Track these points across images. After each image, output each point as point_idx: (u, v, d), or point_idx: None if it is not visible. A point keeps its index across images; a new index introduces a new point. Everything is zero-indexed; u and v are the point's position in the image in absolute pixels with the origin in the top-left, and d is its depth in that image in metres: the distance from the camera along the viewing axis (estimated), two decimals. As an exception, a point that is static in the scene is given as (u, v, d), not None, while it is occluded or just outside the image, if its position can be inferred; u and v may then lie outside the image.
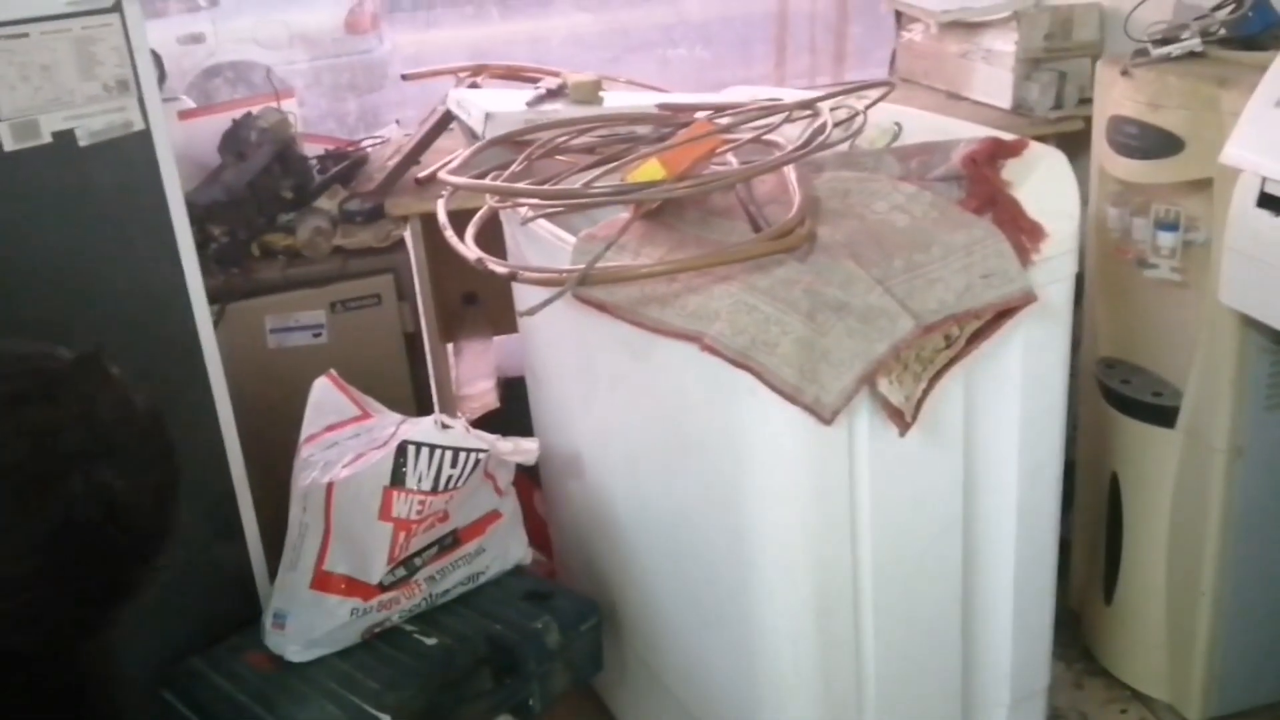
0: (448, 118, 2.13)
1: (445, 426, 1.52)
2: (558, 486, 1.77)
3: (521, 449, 1.56)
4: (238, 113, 2.06)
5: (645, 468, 1.47)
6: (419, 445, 1.48)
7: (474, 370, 2.48)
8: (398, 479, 1.47)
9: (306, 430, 1.62)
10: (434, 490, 1.48)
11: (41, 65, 1.33)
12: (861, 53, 2.74)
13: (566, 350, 1.60)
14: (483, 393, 2.57)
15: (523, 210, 1.53)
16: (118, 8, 1.37)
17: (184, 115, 2.12)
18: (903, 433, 1.25)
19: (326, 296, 1.97)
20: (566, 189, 1.47)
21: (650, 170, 1.30)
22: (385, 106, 2.99)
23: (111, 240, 1.42)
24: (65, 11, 1.33)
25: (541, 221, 1.50)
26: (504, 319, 2.41)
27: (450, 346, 2.44)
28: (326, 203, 2.05)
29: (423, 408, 2.08)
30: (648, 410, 1.42)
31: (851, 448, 1.27)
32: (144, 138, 1.42)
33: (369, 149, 2.23)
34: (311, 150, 2.17)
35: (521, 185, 1.51)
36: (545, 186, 1.50)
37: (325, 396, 1.67)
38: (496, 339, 2.52)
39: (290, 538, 1.54)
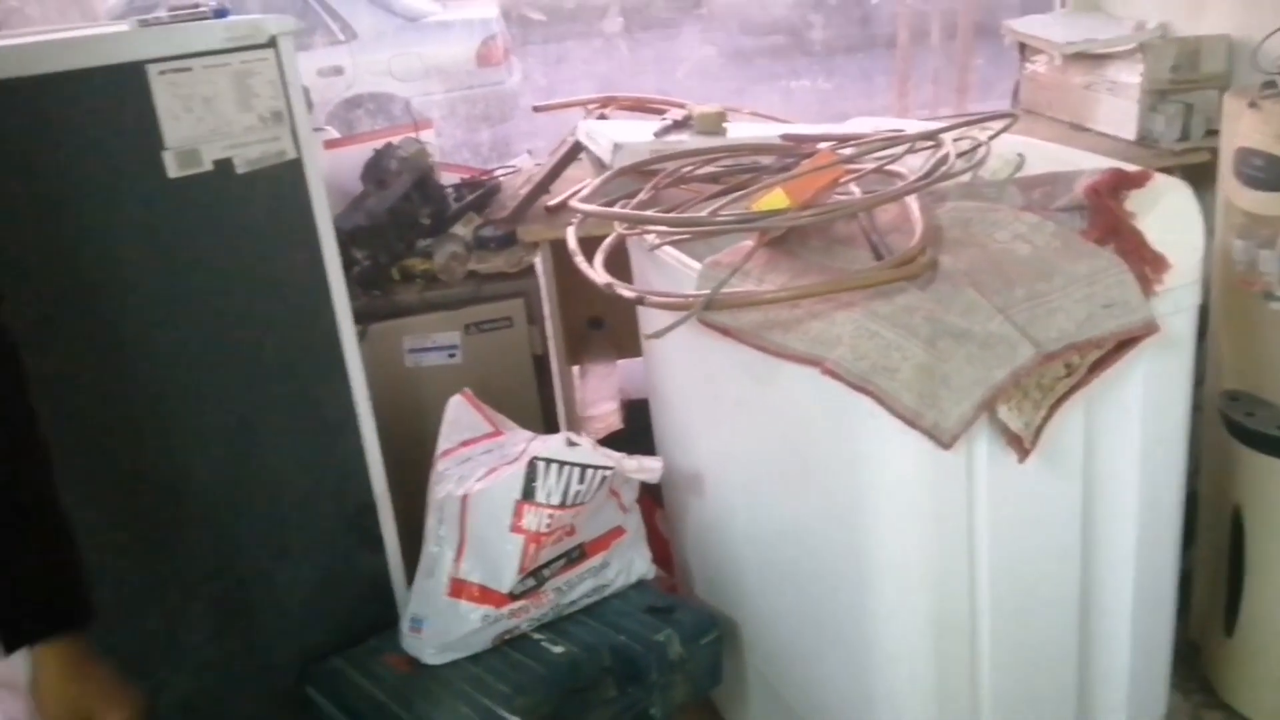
0: (577, 148, 2.22)
1: (573, 444, 1.59)
2: (680, 504, 1.82)
3: (646, 467, 1.62)
4: (379, 143, 2.19)
5: (766, 488, 1.51)
6: (549, 461, 1.55)
7: (598, 392, 2.57)
8: (529, 493, 1.54)
9: (442, 445, 1.72)
10: (562, 505, 1.55)
11: (203, 97, 1.43)
12: (985, 84, 2.74)
13: (689, 373, 1.66)
14: (606, 414, 2.65)
15: (649, 237, 1.60)
16: (273, 44, 1.47)
17: (329, 144, 2.25)
18: (1022, 459, 1.27)
19: (461, 319, 2.07)
20: (693, 217, 1.53)
21: (775, 199, 1.35)
22: (517, 136, 3.12)
23: (265, 262, 1.53)
24: (225, 47, 1.43)
25: (667, 248, 1.56)
26: (628, 343, 2.48)
27: (576, 369, 2.52)
28: (462, 229, 2.16)
29: (549, 427, 2.16)
30: (769, 432, 1.46)
31: (970, 473, 1.29)
32: (295, 166, 1.53)
33: (502, 178, 2.33)
34: (448, 179, 2.29)
35: (650, 213, 1.57)
36: (673, 214, 1.56)
37: (460, 413, 1.76)
38: (620, 362, 2.60)
39: (427, 547, 1.63)
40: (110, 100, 1.36)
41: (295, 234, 1.54)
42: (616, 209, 1.65)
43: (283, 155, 1.51)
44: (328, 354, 1.60)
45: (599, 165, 2.14)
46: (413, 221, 2.12)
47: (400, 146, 2.15)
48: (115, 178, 1.38)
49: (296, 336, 1.57)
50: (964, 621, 1.33)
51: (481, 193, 2.22)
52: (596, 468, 1.56)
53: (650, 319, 1.69)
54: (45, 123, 1.32)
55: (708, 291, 1.32)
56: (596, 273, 1.57)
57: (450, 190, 2.26)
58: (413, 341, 2.06)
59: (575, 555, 1.65)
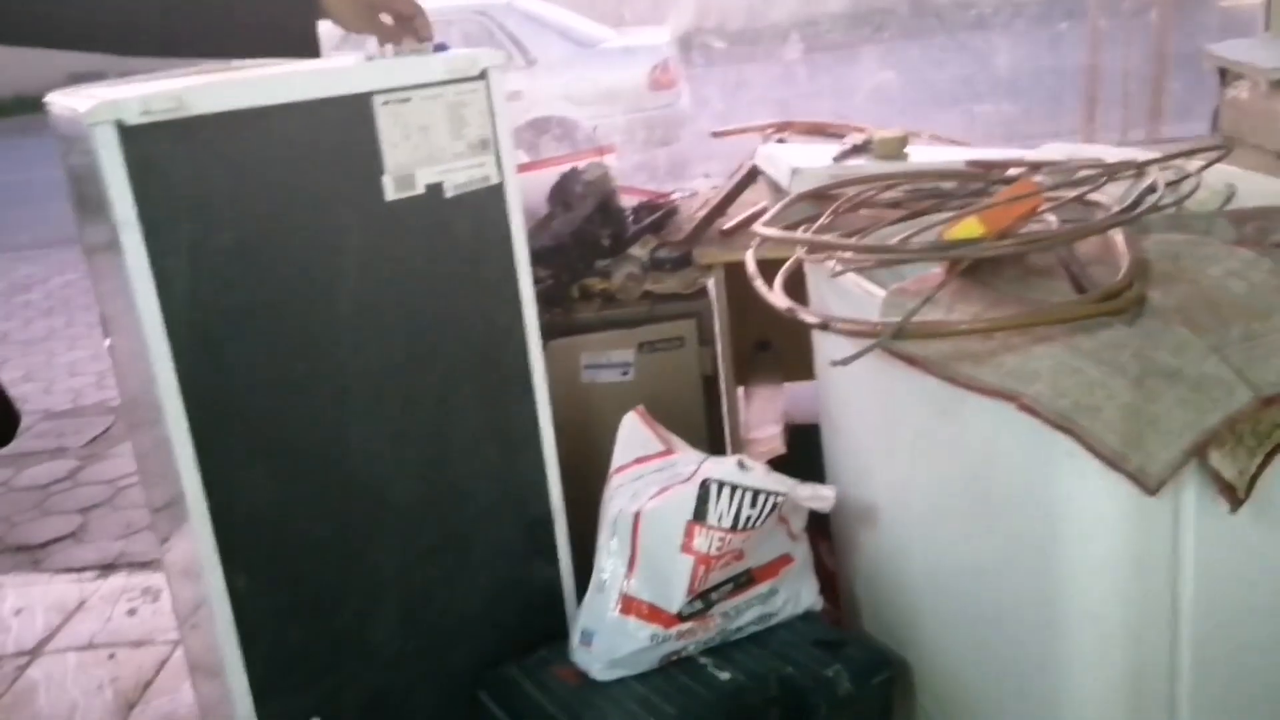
0: (754, 172, 2.23)
1: (746, 467, 1.59)
2: (850, 536, 1.79)
3: (819, 495, 1.60)
4: (565, 167, 2.25)
5: (947, 524, 1.47)
6: (721, 484, 1.55)
7: (763, 415, 2.55)
8: (700, 514, 1.55)
9: (616, 461, 1.74)
10: (733, 528, 1.55)
11: (420, 126, 1.52)
12: (1181, 108, 2.61)
13: (867, 401, 1.63)
14: (769, 437, 2.63)
15: (831, 263, 1.58)
16: (484, 76, 1.55)
17: (520, 168, 2.33)
18: (1234, 509, 1.19)
19: (635, 337, 2.10)
20: (883, 243, 1.51)
21: (969, 227, 1.32)
22: (693, 159, 3.15)
23: (466, 280, 1.60)
24: (442, 79, 1.52)
25: (849, 274, 1.54)
26: (794, 367, 2.47)
27: (741, 390, 2.52)
28: (639, 250, 2.19)
29: (716, 448, 2.16)
30: (952, 466, 1.43)
31: (1176, 520, 1.22)
32: (498, 190, 1.60)
33: (678, 201, 2.36)
34: (626, 201, 2.33)
35: (837, 238, 1.56)
36: (861, 240, 1.55)
37: (634, 431, 1.78)
38: (786, 386, 2.58)
39: (598, 561, 1.66)
40: (339, 128, 1.45)
41: (494, 254, 1.61)
42: (800, 234, 1.65)
43: (487, 180, 1.58)
44: (517, 369, 1.65)
45: (776, 189, 2.14)
46: (594, 242, 2.16)
47: (585, 170, 2.20)
48: (338, 198, 1.48)
49: (490, 352, 1.64)
50: (1163, 679, 1.26)
51: (659, 215, 2.25)
52: (769, 493, 1.55)
53: (827, 345, 1.67)
54: (282, 145, 1.42)
55: (896, 319, 1.30)
56: (777, 296, 1.57)
57: (629, 212, 2.30)
58: (589, 358, 2.10)
59: (743, 581, 1.64)
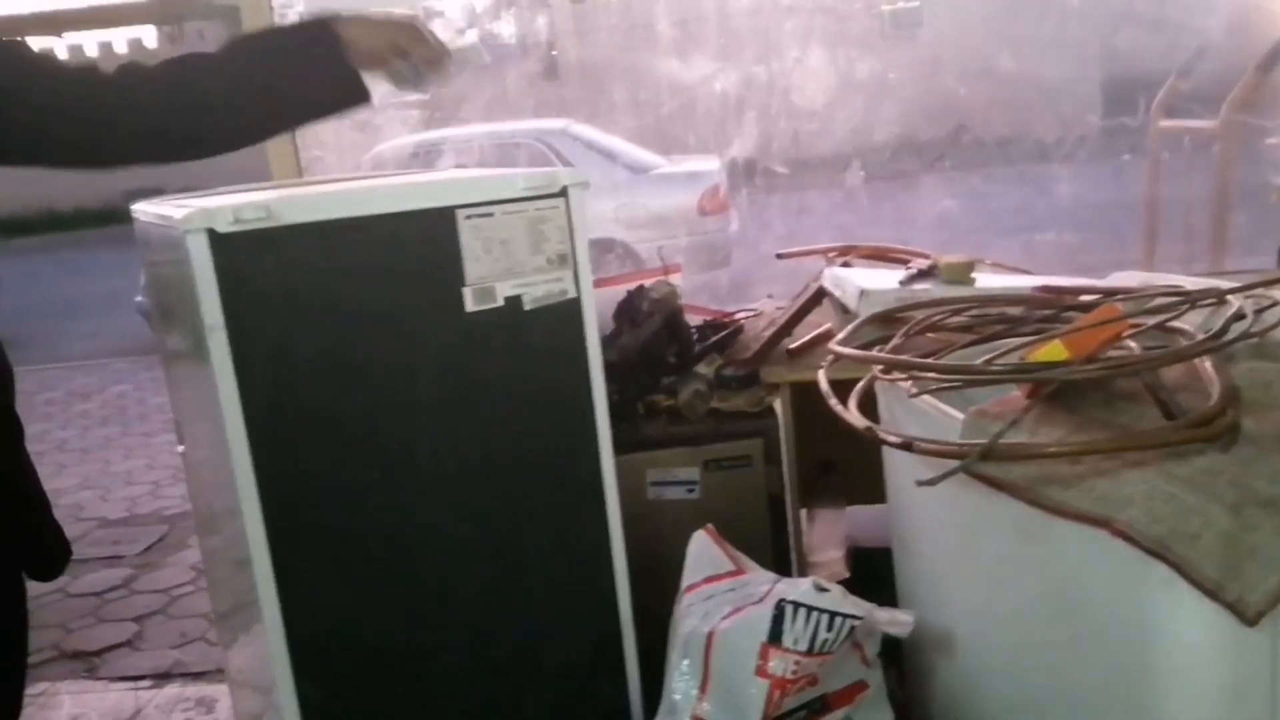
0: (820, 294, 2.25)
1: (823, 589, 1.56)
2: (925, 663, 1.74)
3: (898, 620, 1.56)
4: (632, 284, 2.29)
5: (1032, 653, 1.43)
6: (797, 605, 1.53)
7: (825, 537, 2.52)
8: (775, 636, 1.52)
9: (686, 580, 1.72)
10: (809, 652, 1.51)
11: (501, 240, 1.56)
12: (1245, 242, 2.62)
13: (943, 524, 1.61)
14: (831, 560, 2.59)
15: (906, 383, 1.58)
16: (564, 193, 1.60)
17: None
18: (1338, 643, 1.15)
19: (701, 455, 2.10)
20: (968, 365, 1.51)
21: (1053, 351, 1.32)
22: (755, 280, 3.20)
23: (541, 392, 1.62)
24: (524, 195, 1.57)
25: (925, 396, 1.54)
26: (858, 488, 2.44)
27: (804, 512, 2.49)
28: (705, 368, 2.21)
29: (780, 569, 2.12)
30: (1037, 593, 1.39)
31: (1275, 651, 1.17)
32: (574, 305, 1.63)
33: (743, 320, 2.39)
34: (691, 319, 2.36)
35: (918, 359, 1.56)
36: (945, 362, 1.55)
37: (703, 549, 1.76)
38: (849, 509, 2.55)
39: (669, 681, 1.62)
40: (422, 240, 1.50)
41: (570, 367, 1.63)
42: (880, 353, 1.65)
43: (564, 294, 1.61)
44: (589, 483, 1.65)
45: (843, 311, 2.15)
46: (660, 359, 2.18)
47: (653, 289, 2.24)
48: (419, 308, 1.52)
49: (562, 464, 1.65)
50: (1268, 820, 1.19)
51: (725, 334, 2.28)
52: (846, 616, 1.52)
53: (902, 467, 1.66)
54: (367, 255, 1.47)
55: (982, 441, 1.29)
56: (853, 416, 1.57)
57: (694, 330, 2.32)
58: (655, 474, 2.09)
59: (817, 707, 1.59)
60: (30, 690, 2.91)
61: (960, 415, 1.43)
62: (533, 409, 1.61)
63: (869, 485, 1.89)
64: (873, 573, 1.91)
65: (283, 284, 1.41)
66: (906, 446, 1.40)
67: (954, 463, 1.31)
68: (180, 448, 1.89)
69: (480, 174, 1.59)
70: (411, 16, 1.58)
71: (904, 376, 1.58)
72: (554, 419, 1.64)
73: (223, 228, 1.36)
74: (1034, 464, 1.27)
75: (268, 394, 1.40)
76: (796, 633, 1.51)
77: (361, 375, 1.48)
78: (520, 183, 1.56)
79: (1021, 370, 1.35)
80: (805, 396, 2.15)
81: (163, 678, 3.10)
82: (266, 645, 1.44)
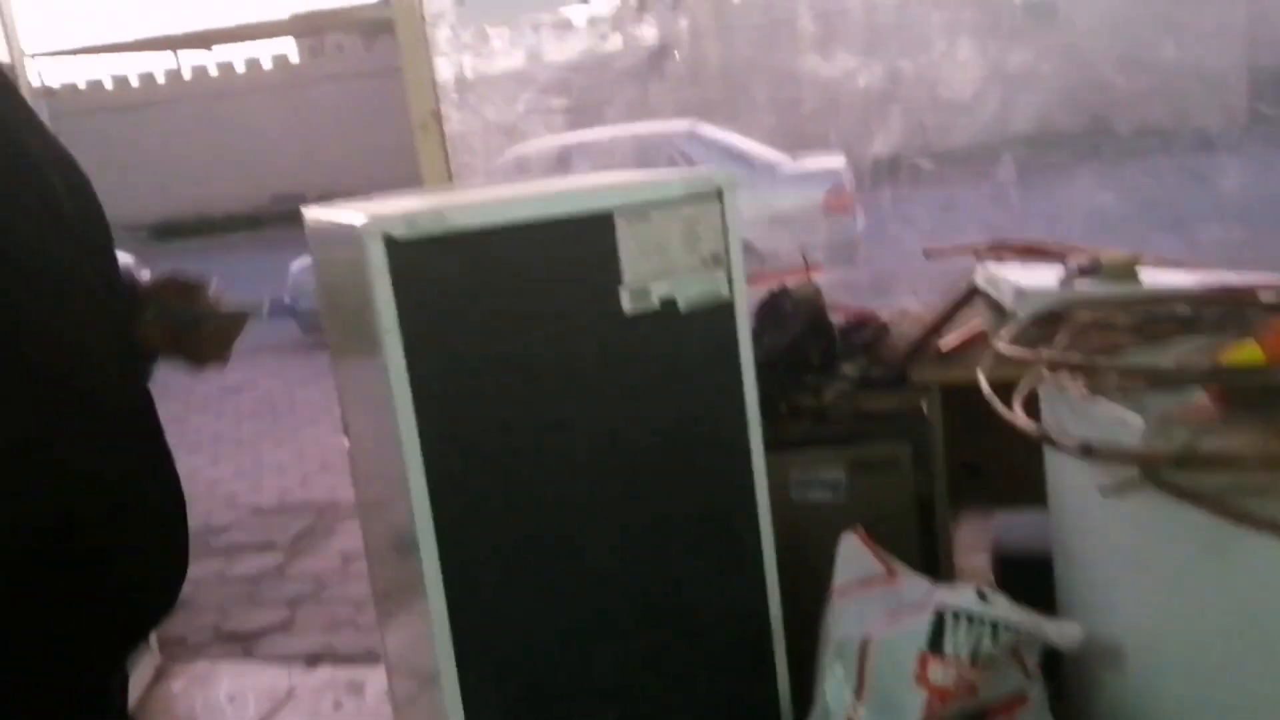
0: (972, 292, 2.19)
1: (985, 597, 1.52)
2: (1089, 677, 1.67)
3: (1065, 633, 1.51)
4: (774, 284, 2.27)
5: (1210, 672, 1.36)
6: (959, 613, 1.49)
7: (968, 543, 2.45)
8: (935, 645, 1.48)
9: (838, 583, 1.70)
10: (971, 661, 1.47)
11: (658, 242, 1.56)
12: None
13: (1115, 532, 1.54)
14: (975, 567, 2.52)
15: (1076, 385, 1.52)
16: (719, 195, 1.60)
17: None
18: None
19: (847, 456, 2.07)
20: (1158, 366, 1.44)
21: (1248, 352, 1.25)
22: (897, 278, 3.13)
23: (695, 392, 1.62)
24: (680, 197, 1.57)
25: (1097, 399, 1.48)
26: (1005, 492, 2.37)
27: (949, 516, 2.43)
28: (850, 368, 2.17)
29: (928, 575, 2.08)
30: (1220, 608, 1.32)
31: None
32: (728, 306, 1.62)
33: (888, 319, 2.34)
34: (833, 319, 2.32)
35: (1103, 360, 1.50)
36: (1133, 362, 1.48)
37: (853, 552, 1.73)
38: (994, 513, 2.48)
39: (821, 686, 1.60)
40: (582, 243, 1.52)
41: (722, 368, 1.62)
42: (1055, 353, 1.59)
43: (718, 296, 1.60)
44: (742, 483, 1.65)
45: (997, 310, 2.09)
46: (804, 359, 2.16)
47: (796, 289, 2.22)
48: (579, 310, 1.53)
49: (714, 464, 1.64)
50: None
51: (872, 332, 2.24)
52: (1012, 626, 1.48)
53: (1068, 472, 1.60)
54: (531, 259, 1.50)
55: (1169, 447, 1.23)
56: (1019, 418, 1.52)
57: (836, 329, 2.29)
58: (799, 474, 2.07)
59: (975, 718, 1.55)
60: (189, 669, 3.08)
61: (1138, 420, 1.37)
62: (686, 409, 1.61)
63: (1015, 489, 1.83)
64: (1020, 581, 1.85)
65: (453, 287, 1.44)
66: (1087, 452, 1.35)
67: (1132, 469, 1.26)
68: (346, 441, 1.96)
69: (637, 177, 1.60)
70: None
71: (1074, 378, 1.52)
72: (706, 419, 1.63)
73: (398, 233, 1.40)
74: (1226, 472, 1.21)
75: (438, 391, 1.44)
76: (957, 642, 1.48)
77: (525, 375, 1.50)
78: (677, 185, 1.57)
79: (1220, 373, 1.28)
80: (954, 398, 2.09)
81: (315, 659, 3.23)
82: (430, 631, 1.48)
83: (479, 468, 1.49)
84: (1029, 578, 1.84)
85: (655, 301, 1.57)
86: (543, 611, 1.55)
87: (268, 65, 20.06)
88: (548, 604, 1.55)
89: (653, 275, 1.57)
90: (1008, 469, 1.90)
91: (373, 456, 1.75)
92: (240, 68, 20.09)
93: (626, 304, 1.55)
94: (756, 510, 1.66)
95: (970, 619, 1.48)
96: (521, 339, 1.50)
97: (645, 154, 7.73)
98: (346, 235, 1.51)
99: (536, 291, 1.50)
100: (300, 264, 8.74)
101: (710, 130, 8.38)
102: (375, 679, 2.99)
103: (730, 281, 1.62)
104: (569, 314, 1.53)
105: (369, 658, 3.18)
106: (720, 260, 1.61)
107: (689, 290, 1.59)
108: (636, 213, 1.54)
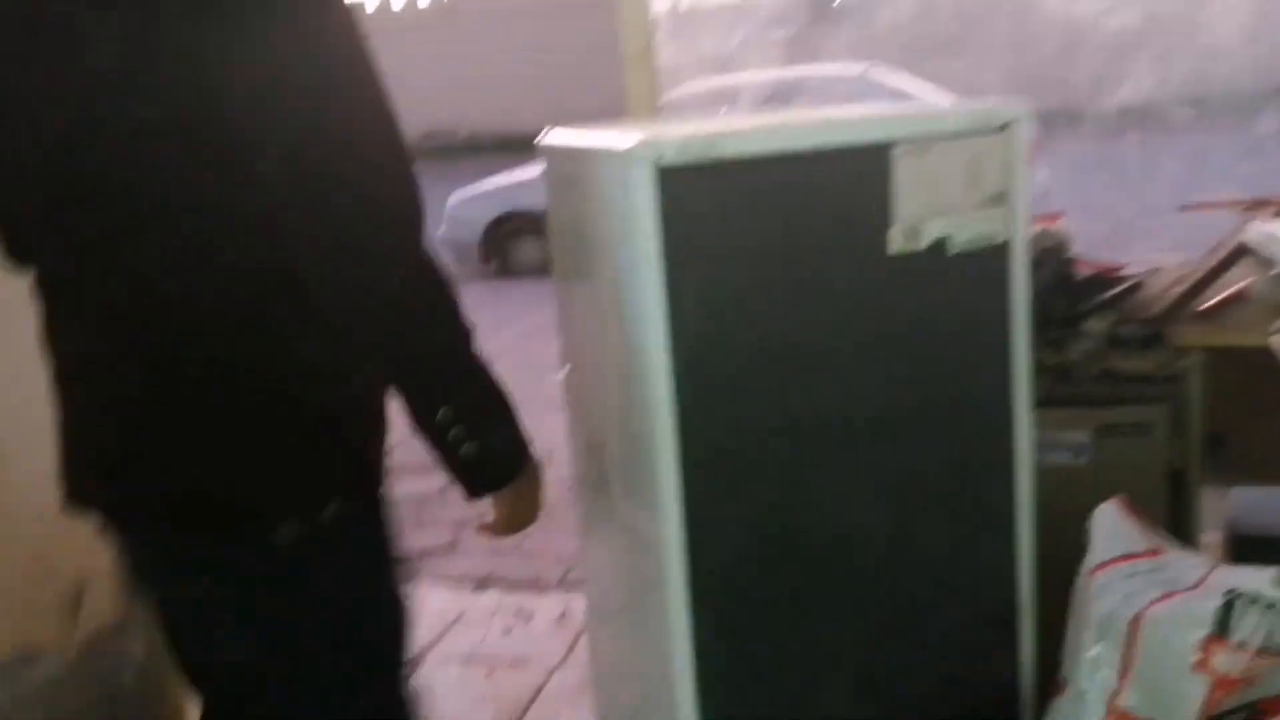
0: (1240, 250, 2.01)
1: (1283, 584, 1.38)
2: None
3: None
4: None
5: None
6: (1254, 598, 1.36)
7: (1205, 518, 2.28)
8: (1222, 629, 1.36)
9: (1098, 556, 1.58)
10: (1262, 651, 1.35)
11: (934, 178, 1.45)
12: None
13: None
14: (1206, 544, 2.35)
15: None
16: (1006, 129, 1.47)
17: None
18: None
19: (1093, 419, 1.92)
20: None
21: None
22: (1136, 232, 2.92)
23: (958, 341, 1.51)
24: (965, 129, 1.45)
25: None
26: (1253, 466, 2.19)
27: (1190, 490, 2.26)
28: (1096, 325, 2.02)
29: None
30: None
31: None
32: (1003, 250, 1.50)
33: (1143, 275, 2.16)
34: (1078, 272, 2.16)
35: None
36: None
37: (1116, 523, 1.62)
38: (1235, 490, 2.30)
39: (1077, 662, 1.50)
40: (854, 176, 1.42)
41: (991, 317, 1.52)
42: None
43: (994, 238, 1.49)
44: (1000, 445, 1.55)
45: (1268, 270, 1.91)
46: (1047, 313, 2.01)
47: (1041, 237, 2.06)
48: (843, 247, 1.44)
49: (972, 422, 1.54)
50: None
51: (1125, 288, 2.07)
52: (1311, 617, 1.34)
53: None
54: (799, 191, 1.41)
55: None
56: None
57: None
58: (1039, 435, 1.94)
59: (1250, 713, 1.43)
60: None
61: None
62: (946, 358, 1.51)
63: (1260, 464, 1.67)
64: (1255, 562, 1.69)
65: (717, 218, 1.37)
66: None
67: None
68: (563, 370, 1.92)
69: (918, 108, 1.48)
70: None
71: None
72: (966, 371, 1.53)
73: (668, 160, 1.33)
74: None
75: (694, 328, 1.37)
76: (1248, 628, 1.35)
77: (783, 313, 1.42)
78: (962, 116, 1.45)
79: None
80: (1219, 363, 1.93)
81: (482, 582, 3.25)
82: (662, 572, 1.43)
83: (725, 409, 1.43)
84: (1266, 559, 1.69)
85: (924, 242, 1.46)
86: (777, 564, 1.48)
87: (424, 4, 20.25)
88: (783, 556, 1.48)
89: (927, 213, 1.46)
90: (1255, 442, 1.74)
91: (597, 388, 1.70)
92: (397, 6, 20.34)
93: (896, 243, 1.45)
94: (1014, 473, 1.56)
95: (1266, 606, 1.35)
96: (780, 275, 1.42)
97: (812, 98, 7.50)
98: (603, 159, 1.44)
99: (800, 227, 1.42)
100: (458, 197, 8.85)
101: (884, 75, 8.05)
102: (545, 608, 2.99)
103: (1010, 223, 1.50)
104: (833, 250, 1.44)
105: (537, 585, 3.19)
106: (1002, 199, 1.49)
107: (965, 231, 1.48)
108: (917, 145, 1.43)
